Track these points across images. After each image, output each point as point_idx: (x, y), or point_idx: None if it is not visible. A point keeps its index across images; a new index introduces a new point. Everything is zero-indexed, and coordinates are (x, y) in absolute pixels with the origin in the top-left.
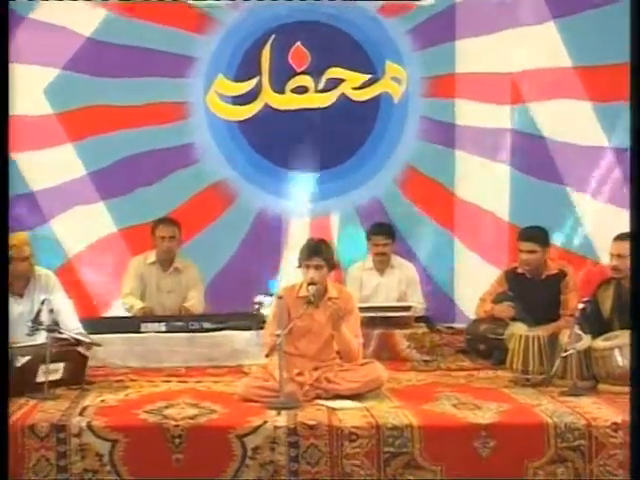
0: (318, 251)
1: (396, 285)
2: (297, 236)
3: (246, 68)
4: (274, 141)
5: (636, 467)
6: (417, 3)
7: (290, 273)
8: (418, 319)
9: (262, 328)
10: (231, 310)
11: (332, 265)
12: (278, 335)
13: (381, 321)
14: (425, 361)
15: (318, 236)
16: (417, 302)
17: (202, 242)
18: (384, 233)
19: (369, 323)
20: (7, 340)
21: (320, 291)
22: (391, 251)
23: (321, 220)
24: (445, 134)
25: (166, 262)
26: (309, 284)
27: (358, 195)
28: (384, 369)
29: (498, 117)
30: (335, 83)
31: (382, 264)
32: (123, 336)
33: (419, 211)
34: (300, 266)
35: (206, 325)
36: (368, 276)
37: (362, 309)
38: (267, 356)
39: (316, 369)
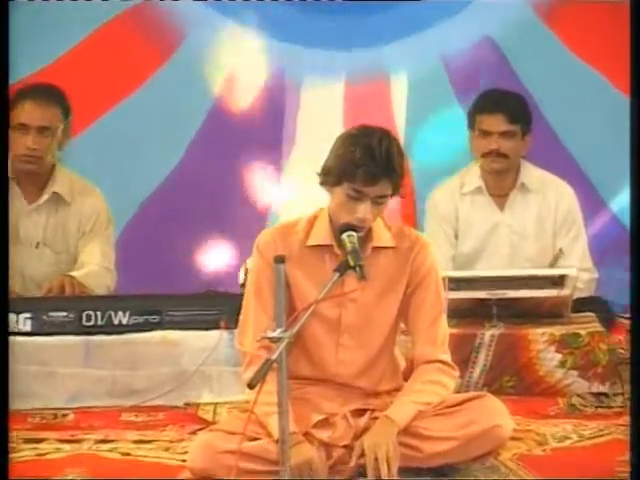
0: (393, 165)
1: (533, 229)
2: (318, 122)
3: None
4: None
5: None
6: None
7: (301, 198)
8: (581, 304)
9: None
10: (174, 287)
11: (399, 190)
12: (275, 339)
13: (502, 308)
14: (598, 396)
15: (366, 121)
16: (580, 267)
17: (112, 135)
18: (505, 111)
19: (476, 311)
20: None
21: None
22: (520, 152)
23: (371, 86)
24: None
25: (32, 182)
26: (346, 226)
27: (449, 31)
28: (507, 412)
29: None
30: None
31: (501, 180)
32: None
33: (583, 64)
34: (332, 184)
35: (121, 319)
36: (472, 207)
37: (458, 282)
38: (252, 386)
39: (361, 412)
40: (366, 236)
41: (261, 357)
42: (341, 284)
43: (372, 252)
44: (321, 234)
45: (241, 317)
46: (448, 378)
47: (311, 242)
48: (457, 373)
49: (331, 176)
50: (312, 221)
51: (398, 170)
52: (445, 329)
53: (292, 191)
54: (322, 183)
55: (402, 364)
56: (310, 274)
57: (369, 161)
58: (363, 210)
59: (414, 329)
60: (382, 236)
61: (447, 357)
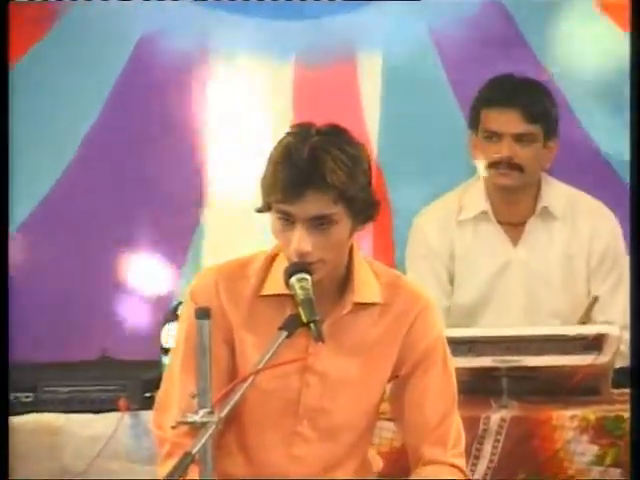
0: (321, 169)
1: (558, 270)
2: (256, 118)
3: None
4: None
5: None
6: None
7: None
8: (626, 375)
9: (148, 407)
10: (55, 353)
11: (366, 210)
12: (197, 425)
13: (516, 381)
14: None
15: (324, 116)
16: (624, 324)
17: None
18: (521, 105)
19: (480, 385)
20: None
21: (327, 286)
22: (542, 162)
23: (331, 69)
24: None
25: None
26: (294, 267)
27: None
28: None
29: None
30: None
31: (515, 202)
32: None
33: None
34: (265, 209)
35: None
36: (474, 240)
37: (454, 345)
38: None
39: None
40: (344, 286)
41: (186, 446)
42: (302, 348)
43: (353, 309)
44: (280, 280)
45: (161, 389)
46: None
47: (267, 291)
48: None
49: (263, 198)
50: (270, 261)
51: (330, 179)
52: (459, 426)
53: (218, 218)
54: (257, 209)
55: (378, 465)
56: (264, 335)
57: (285, 166)
58: (297, 239)
59: (414, 427)
60: (367, 287)
61: (462, 463)
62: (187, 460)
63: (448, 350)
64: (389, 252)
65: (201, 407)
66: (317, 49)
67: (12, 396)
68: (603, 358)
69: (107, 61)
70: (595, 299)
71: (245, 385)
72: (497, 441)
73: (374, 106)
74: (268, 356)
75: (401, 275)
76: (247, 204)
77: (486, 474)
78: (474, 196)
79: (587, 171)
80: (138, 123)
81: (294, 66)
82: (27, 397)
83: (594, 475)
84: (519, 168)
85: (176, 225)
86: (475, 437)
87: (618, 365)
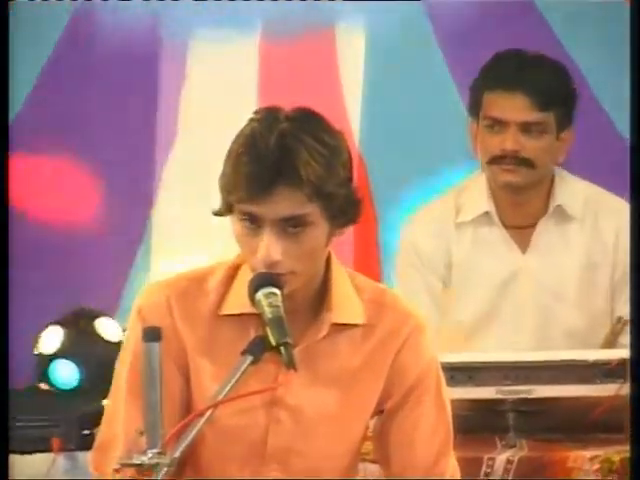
0: (292, 161)
1: (575, 282)
2: (217, 101)
3: None
4: None
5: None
6: None
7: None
8: None
9: (86, 447)
10: None
11: (347, 210)
12: (145, 467)
13: (524, 415)
14: None
15: (295, 100)
16: None
17: None
18: (531, 88)
19: (482, 420)
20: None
21: (300, 302)
22: (555, 156)
23: (304, 44)
24: None
25: None
26: (260, 279)
27: None
28: None
29: None
30: None
31: (523, 202)
32: None
33: None
34: (225, 211)
35: None
36: (474, 246)
37: (451, 372)
38: None
39: None
40: (320, 303)
41: None
42: (270, 377)
43: (330, 331)
44: (243, 295)
45: (102, 425)
46: None
47: (228, 309)
48: None
49: (222, 199)
50: (231, 273)
51: (304, 172)
52: (455, 468)
53: (171, 217)
54: (214, 212)
55: None
56: (224, 361)
57: (249, 159)
58: (265, 245)
59: (403, 469)
60: (348, 305)
61: None
62: None
63: (443, 379)
64: (373, 262)
65: (150, 446)
66: (287, 20)
67: None
68: (628, 388)
69: (40, 36)
70: (621, 321)
71: (202, 420)
72: None
73: (355, 88)
74: (230, 386)
75: (388, 290)
76: (203, 203)
77: None
78: (475, 195)
79: (608, 160)
80: (74, 103)
81: (259, 40)
82: None
83: None
84: (527, 163)
85: (122, 230)
86: (478, 472)
87: None
